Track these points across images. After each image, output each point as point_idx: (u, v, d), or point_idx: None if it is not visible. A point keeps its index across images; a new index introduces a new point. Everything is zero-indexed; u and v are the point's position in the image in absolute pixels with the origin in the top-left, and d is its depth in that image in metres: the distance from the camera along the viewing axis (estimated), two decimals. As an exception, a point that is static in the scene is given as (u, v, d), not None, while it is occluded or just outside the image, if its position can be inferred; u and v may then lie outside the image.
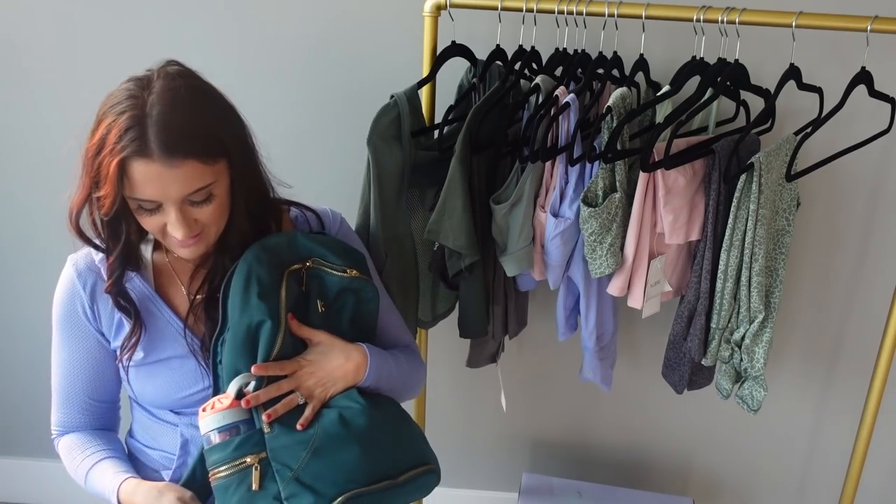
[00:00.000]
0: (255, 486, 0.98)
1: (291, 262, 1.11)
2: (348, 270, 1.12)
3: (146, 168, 0.95)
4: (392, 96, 1.35)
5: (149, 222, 1.03)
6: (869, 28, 1.25)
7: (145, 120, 0.95)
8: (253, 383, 1.02)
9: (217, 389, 1.08)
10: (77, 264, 1.14)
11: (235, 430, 1.01)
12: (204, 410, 1.02)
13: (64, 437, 1.21)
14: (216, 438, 1.00)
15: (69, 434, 1.20)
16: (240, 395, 1.02)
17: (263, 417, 1.01)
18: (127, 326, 1.12)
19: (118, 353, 1.14)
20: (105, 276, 1.12)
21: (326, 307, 1.12)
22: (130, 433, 1.25)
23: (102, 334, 1.15)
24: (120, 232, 1.07)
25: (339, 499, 0.98)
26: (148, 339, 1.13)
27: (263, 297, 1.05)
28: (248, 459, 1.00)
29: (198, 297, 1.14)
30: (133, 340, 1.12)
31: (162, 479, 1.17)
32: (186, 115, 0.98)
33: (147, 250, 1.15)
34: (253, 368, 1.03)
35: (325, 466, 1.00)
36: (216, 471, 1.00)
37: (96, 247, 1.10)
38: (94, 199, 1.02)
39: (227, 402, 1.01)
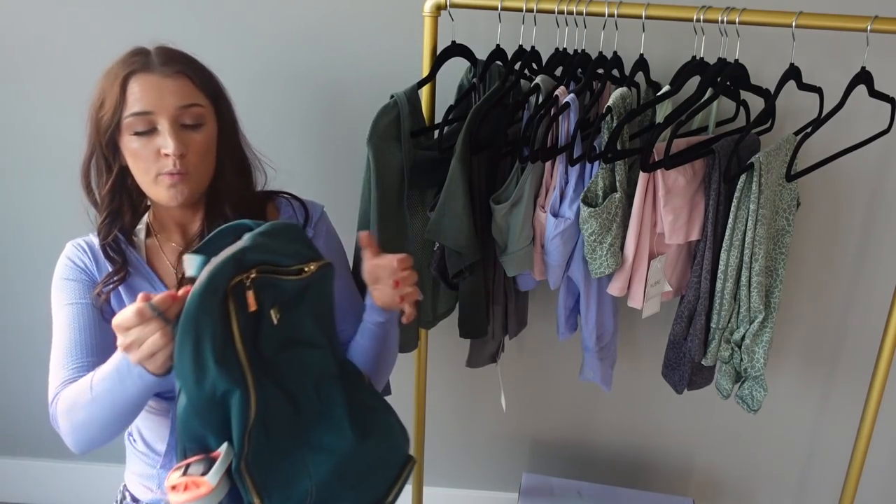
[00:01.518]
0: None
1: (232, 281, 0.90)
2: (306, 268, 0.96)
3: (146, 79, 1.07)
4: (392, 96, 1.35)
5: (142, 153, 1.08)
6: (869, 28, 1.25)
7: (146, 51, 1.11)
8: (231, 460, 0.89)
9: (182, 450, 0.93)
10: (76, 241, 1.19)
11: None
12: (174, 489, 0.86)
13: (60, 394, 1.09)
14: None
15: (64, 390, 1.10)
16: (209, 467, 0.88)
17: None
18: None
19: (97, 286, 1.14)
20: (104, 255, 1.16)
21: (281, 313, 0.94)
22: (129, 434, 1.25)
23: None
24: (112, 164, 1.13)
25: None
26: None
27: (223, 362, 0.86)
28: None
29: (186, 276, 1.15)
30: (116, 278, 1.14)
31: (158, 476, 1.19)
32: (184, 53, 1.14)
33: (141, 232, 1.20)
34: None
35: None
36: None
37: (97, 208, 1.17)
38: (93, 148, 1.12)
39: (203, 489, 0.86)
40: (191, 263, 0.91)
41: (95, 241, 1.18)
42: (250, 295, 0.89)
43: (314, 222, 1.27)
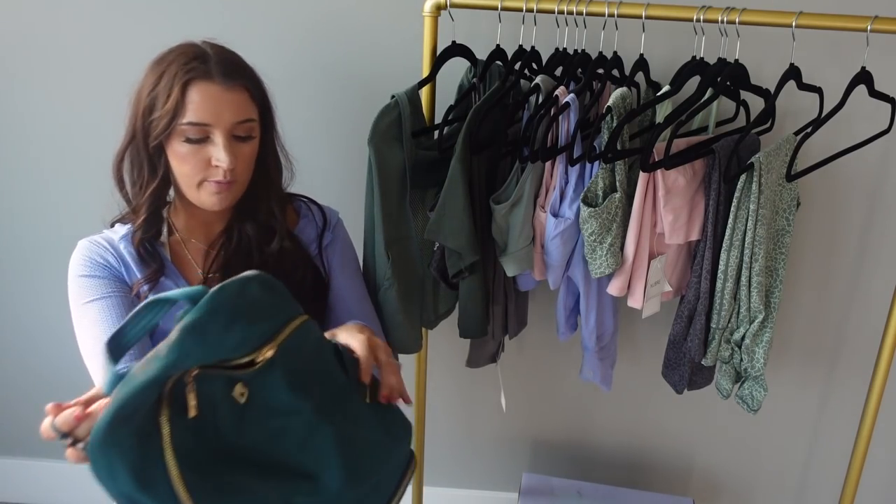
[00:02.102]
0: None
1: (158, 405, 0.74)
2: (259, 357, 0.80)
3: (207, 88, 1.07)
4: (393, 96, 1.35)
5: (190, 160, 1.08)
6: (869, 28, 1.25)
7: (207, 56, 1.10)
8: None
9: None
10: (92, 238, 1.17)
11: None
12: None
13: None
14: None
15: None
16: None
17: None
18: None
19: (135, 286, 1.14)
20: (123, 252, 1.15)
21: (248, 388, 0.80)
22: None
23: (124, 282, 1.15)
24: (157, 167, 1.12)
25: None
26: None
27: (147, 486, 0.71)
28: None
29: (212, 275, 1.18)
30: (153, 278, 1.14)
31: None
32: (241, 60, 1.15)
33: (163, 232, 1.20)
34: None
35: None
36: None
37: (127, 201, 1.17)
38: (136, 144, 1.11)
39: None
40: (104, 376, 0.75)
41: (115, 237, 1.17)
42: (191, 398, 0.75)
43: (332, 227, 1.31)
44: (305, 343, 0.85)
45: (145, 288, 1.14)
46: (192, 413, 0.75)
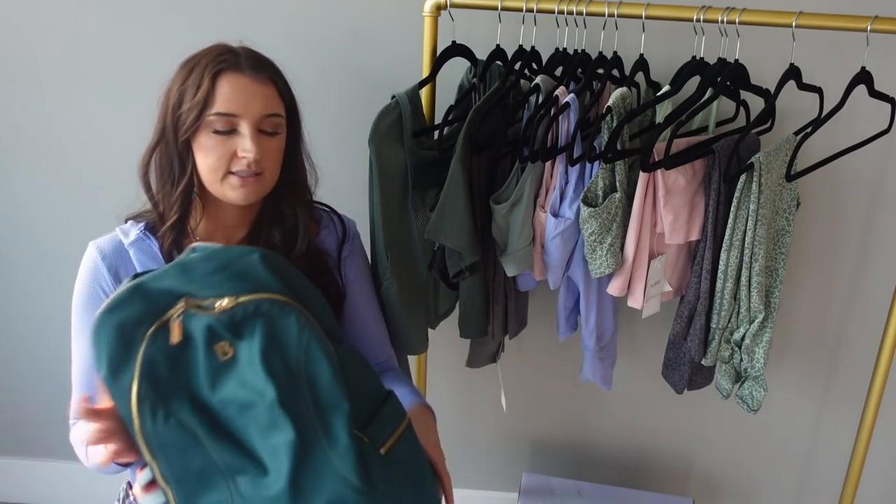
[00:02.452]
0: None
1: (152, 321, 0.84)
2: (217, 303, 0.84)
3: (237, 79, 1.08)
4: (393, 96, 1.35)
5: (217, 151, 1.08)
6: (869, 28, 1.25)
7: (236, 51, 1.12)
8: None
9: None
10: (101, 247, 1.15)
11: None
12: (146, 488, 0.87)
13: (78, 423, 1.14)
14: None
15: None
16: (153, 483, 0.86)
17: None
18: None
19: None
20: (133, 260, 1.14)
21: (233, 347, 0.84)
22: None
23: None
24: (186, 164, 1.11)
25: None
26: None
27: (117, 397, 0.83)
28: None
29: None
30: None
31: None
32: (269, 59, 1.15)
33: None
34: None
35: None
36: None
37: (154, 203, 1.15)
38: (164, 143, 1.11)
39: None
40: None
41: (125, 240, 1.14)
42: (176, 325, 0.83)
43: (350, 239, 1.29)
44: (292, 332, 0.85)
45: None
46: (175, 339, 0.82)
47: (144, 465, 0.85)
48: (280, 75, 1.15)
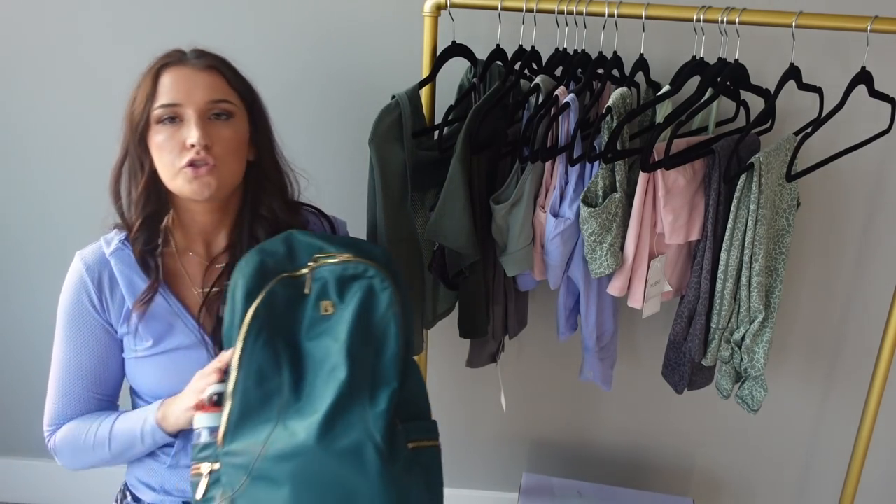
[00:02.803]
0: (197, 495, 0.97)
1: (290, 270, 1.05)
2: (339, 255, 1.04)
3: (178, 72, 1.09)
4: (394, 97, 1.35)
5: (167, 145, 1.07)
6: (869, 28, 1.25)
7: (184, 51, 1.14)
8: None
9: None
10: (85, 258, 1.16)
11: (216, 434, 0.99)
12: (201, 407, 1.02)
13: (62, 428, 1.17)
14: (203, 436, 1.00)
15: (66, 424, 1.18)
16: (217, 401, 1.01)
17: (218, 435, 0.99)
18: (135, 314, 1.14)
19: (132, 307, 1.14)
20: (114, 269, 1.15)
21: (334, 307, 1.04)
22: None
23: (111, 325, 1.16)
24: (144, 163, 1.11)
25: None
26: (156, 328, 1.14)
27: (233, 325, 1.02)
28: (202, 467, 0.98)
29: (214, 289, 1.16)
30: (149, 295, 1.13)
31: (161, 474, 1.19)
32: (220, 57, 1.16)
33: (160, 254, 1.17)
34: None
35: (259, 498, 0.95)
36: (191, 469, 1.01)
37: (123, 217, 1.16)
38: (131, 156, 1.12)
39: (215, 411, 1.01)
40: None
41: (107, 250, 1.16)
42: (308, 279, 1.03)
43: None
44: (372, 281, 1.03)
45: (145, 302, 1.13)
46: (307, 291, 1.03)
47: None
48: (230, 67, 1.15)
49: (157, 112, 1.07)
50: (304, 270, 1.04)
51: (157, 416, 1.10)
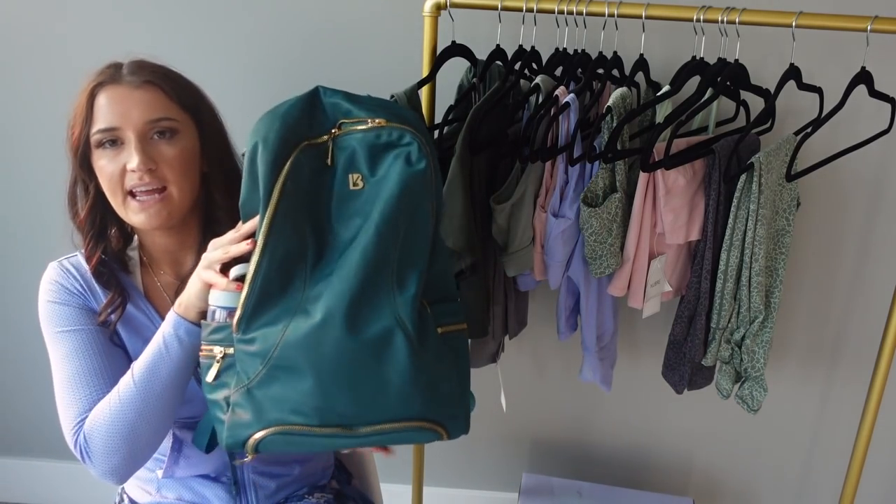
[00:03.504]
0: (208, 378, 0.92)
1: (309, 136, 0.92)
2: (371, 120, 0.91)
3: (112, 92, 1.02)
4: (392, 96, 1.35)
5: (107, 170, 1.01)
6: (869, 28, 1.25)
7: (120, 64, 1.06)
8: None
9: None
10: (62, 265, 1.12)
11: (232, 315, 0.92)
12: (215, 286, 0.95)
13: (89, 415, 1.02)
14: (218, 316, 0.94)
15: (92, 409, 1.03)
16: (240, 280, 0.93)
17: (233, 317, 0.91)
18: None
19: (101, 313, 1.08)
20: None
21: (364, 181, 0.92)
22: None
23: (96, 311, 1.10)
24: (88, 185, 1.06)
25: (271, 429, 0.88)
26: (137, 342, 1.10)
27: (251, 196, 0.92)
28: (216, 350, 0.92)
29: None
30: (116, 304, 1.08)
31: (157, 479, 1.17)
32: (158, 64, 1.07)
33: (134, 262, 1.14)
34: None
35: (278, 389, 0.88)
36: (200, 349, 0.95)
37: (82, 230, 1.11)
38: (77, 176, 1.07)
39: (234, 284, 0.93)
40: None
41: (83, 260, 1.11)
42: (330, 148, 0.91)
43: None
44: (408, 149, 0.91)
45: (112, 317, 1.08)
46: (329, 163, 0.91)
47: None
48: (167, 77, 1.05)
49: (95, 137, 1.01)
50: (325, 137, 0.92)
51: (176, 311, 0.99)
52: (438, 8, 1.37)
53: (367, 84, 1.63)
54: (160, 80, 1.04)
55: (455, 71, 1.46)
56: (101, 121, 1.01)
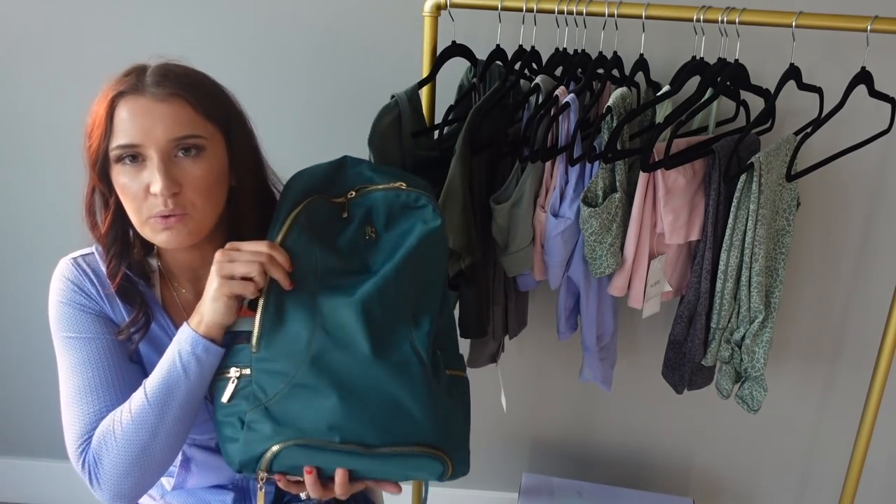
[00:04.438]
0: (224, 398, 0.93)
1: (330, 195, 1.01)
2: (395, 184, 1.00)
3: (134, 104, 0.93)
4: (393, 96, 1.35)
5: (130, 190, 0.94)
6: (869, 28, 1.25)
7: (144, 69, 0.97)
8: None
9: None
10: (75, 259, 1.05)
11: (246, 338, 0.93)
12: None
13: (96, 430, 0.97)
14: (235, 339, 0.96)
15: (99, 424, 0.98)
16: (253, 305, 0.94)
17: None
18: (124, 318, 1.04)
19: (123, 331, 1.03)
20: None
21: (377, 233, 1.00)
22: None
23: (110, 318, 1.04)
24: (108, 199, 0.99)
25: (290, 442, 0.89)
26: (154, 356, 1.04)
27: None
28: (232, 371, 0.93)
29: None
30: (140, 322, 1.03)
31: (163, 487, 1.16)
32: (187, 71, 0.99)
33: (154, 273, 1.08)
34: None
35: (298, 408, 0.89)
36: (217, 372, 0.96)
37: (103, 244, 1.04)
38: (95, 187, 1.00)
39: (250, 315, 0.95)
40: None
41: (101, 264, 1.04)
42: (346, 207, 1.01)
43: None
44: (425, 212, 1.01)
45: (136, 337, 1.03)
46: (345, 216, 1.00)
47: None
48: (196, 87, 0.97)
49: (115, 153, 0.94)
50: (342, 199, 1.01)
51: (192, 325, 0.94)
52: (438, 8, 1.37)
53: (368, 84, 1.64)
54: (187, 91, 0.95)
55: (455, 71, 1.46)
56: (122, 136, 0.93)
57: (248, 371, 0.92)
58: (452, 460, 0.95)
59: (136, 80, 0.95)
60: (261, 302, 0.92)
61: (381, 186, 1.00)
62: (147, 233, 0.98)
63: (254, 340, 0.91)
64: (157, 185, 0.92)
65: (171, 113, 0.94)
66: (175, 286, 1.09)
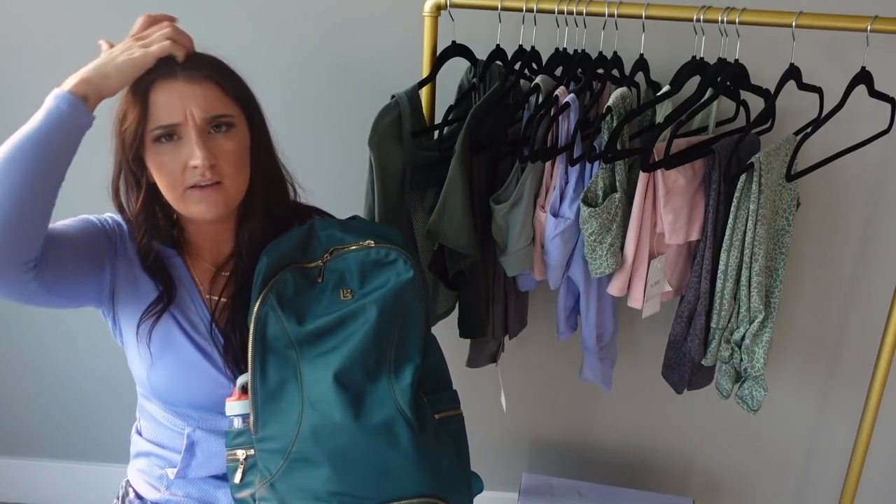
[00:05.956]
0: (235, 480, 1.03)
1: (302, 262, 1.06)
2: (364, 242, 1.06)
3: (170, 88, 1.01)
4: (393, 96, 1.35)
5: (168, 166, 1.02)
6: (869, 28, 1.25)
7: (175, 59, 1.04)
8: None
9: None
10: (108, 215, 1.15)
11: (244, 420, 1.04)
12: (233, 396, 1.06)
13: None
14: (236, 424, 1.05)
15: None
16: (246, 389, 1.04)
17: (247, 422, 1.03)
18: (152, 292, 1.12)
19: (140, 315, 1.11)
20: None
21: (353, 294, 1.05)
22: (138, 431, 1.25)
23: (112, 264, 1.11)
24: (141, 180, 1.07)
25: None
26: (184, 319, 1.13)
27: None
28: (238, 453, 1.04)
29: (221, 299, 1.14)
30: (165, 300, 1.11)
31: (167, 478, 1.17)
32: (214, 57, 1.09)
33: (182, 252, 1.16)
34: None
35: (299, 480, 0.99)
36: (226, 455, 1.06)
37: (130, 224, 1.13)
38: (126, 170, 1.07)
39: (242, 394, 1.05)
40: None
41: (123, 223, 1.14)
42: (322, 271, 1.06)
43: None
44: (396, 265, 1.06)
45: (156, 313, 1.11)
46: (320, 280, 1.06)
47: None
48: (224, 71, 1.07)
49: (152, 133, 1.01)
50: (316, 263, 1.06)
51: (66, 87, 0.97)
52: (438, 8, 1.37)
53: (368, 84, 1.64)
54: (217, 74, 1.05)
55: (455, 71, 1.46)
56: (160, 118, 1.01)
57: (252, 452, 1.03)
58: (449, 501, 1.03)
59: (168, 66, 1.02)
60: (249, 388, 1.01)
61: (353, 247, 1.06)
62: (184, 205, 1.05)
63: (251, 423, 1.01)
64: (196, 159, 1.00)
65: (205, 94, 1.03)
66: (194, 256, 1.16)
